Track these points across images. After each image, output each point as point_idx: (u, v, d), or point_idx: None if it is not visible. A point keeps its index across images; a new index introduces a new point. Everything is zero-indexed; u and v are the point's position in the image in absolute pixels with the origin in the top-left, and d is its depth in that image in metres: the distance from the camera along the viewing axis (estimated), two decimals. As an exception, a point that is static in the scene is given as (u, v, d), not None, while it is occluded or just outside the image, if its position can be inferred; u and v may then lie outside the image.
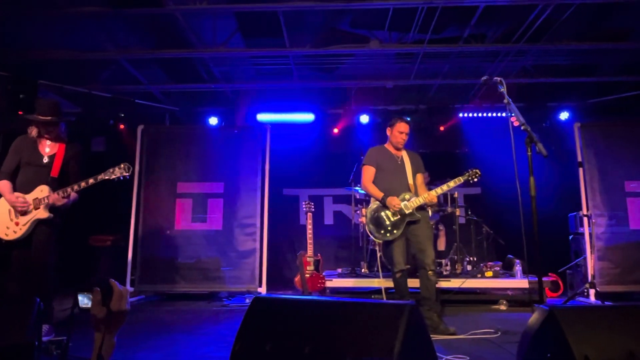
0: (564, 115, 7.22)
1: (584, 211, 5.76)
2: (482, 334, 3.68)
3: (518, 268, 5.51)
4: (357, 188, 6.04)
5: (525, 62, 6.27)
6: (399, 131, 4.17)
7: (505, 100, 2.92)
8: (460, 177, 4.02)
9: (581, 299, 5.65)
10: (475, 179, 4.07)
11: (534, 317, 1.97)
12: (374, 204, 4.12)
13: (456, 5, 4.81)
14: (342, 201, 7.53)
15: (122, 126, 7.11)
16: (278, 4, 4.78)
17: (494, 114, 7.28)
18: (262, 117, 7.32)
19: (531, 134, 2.75)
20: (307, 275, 4.98)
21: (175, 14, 4.95)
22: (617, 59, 6.18)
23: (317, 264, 5.09)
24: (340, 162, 7.43)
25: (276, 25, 5.27)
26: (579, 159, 5.84)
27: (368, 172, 4.20)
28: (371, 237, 4.04)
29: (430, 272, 3.91)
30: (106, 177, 3.57)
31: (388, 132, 4.29)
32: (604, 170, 5.77)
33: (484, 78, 3.08)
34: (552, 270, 6.16)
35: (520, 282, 5.32)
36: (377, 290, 5.17)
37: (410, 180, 4.13)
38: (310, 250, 5.14)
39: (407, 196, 3.98)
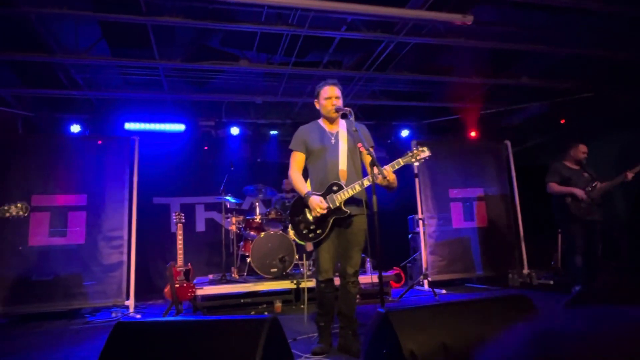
0: (404, 133, 7.96)
1: (419, 214, 6.47)
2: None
3: (368, 265, 5.96)
4: (228, 197, 5.93)
5: (374, 87, 6.83)
6: (325, 97, 3.17)
7: (353, 129, 3.06)
8: (406, 157, 3.12)
9: (418, 287, 6.33)
10: (423, 158, 3.22)
11: (374, 319, 2.15)
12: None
13: (316, 35, 5.04)
14: (214, 208, 7.32)
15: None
16: (147, 17, 4.48)
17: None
18: (130, 126, 6.71)
19: (374, 158, 2.92)
20: (177, 286, 4.72)
21: (30, 16, 4.33)
22: (444, 88, 7.07)
23: (187, 273, 4.85)
24: (212, 172, 7.22)
25: (145, 37, 4.92)
26: (415, 171, 6.55)
27: (294, 160, 3.22)
28: (292, 237, 3.10)
29: (350, 283, 3.14)
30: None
31: (316, 105, 3.30)
32: (433, 180, 6.56)
33: (336, 107, 3.16)
34: (396, 264, 6.79)
35: (370, 278, 5.74)
36: (247, 294, 5.14)
37: (343, 166, 3.12)
38: (180, 260, 4.88)
39: (335, 188, 3.04)
